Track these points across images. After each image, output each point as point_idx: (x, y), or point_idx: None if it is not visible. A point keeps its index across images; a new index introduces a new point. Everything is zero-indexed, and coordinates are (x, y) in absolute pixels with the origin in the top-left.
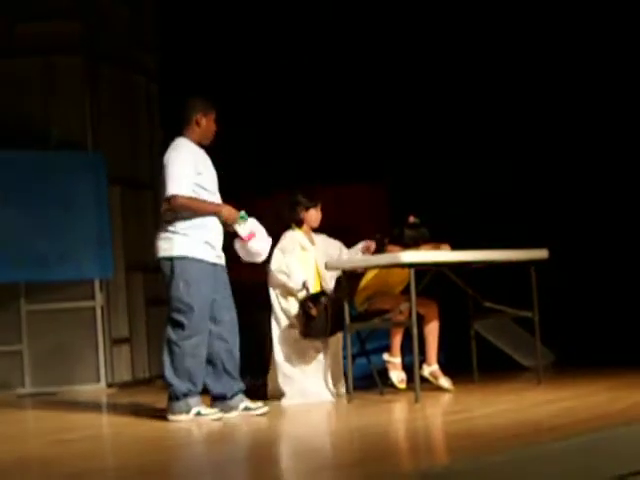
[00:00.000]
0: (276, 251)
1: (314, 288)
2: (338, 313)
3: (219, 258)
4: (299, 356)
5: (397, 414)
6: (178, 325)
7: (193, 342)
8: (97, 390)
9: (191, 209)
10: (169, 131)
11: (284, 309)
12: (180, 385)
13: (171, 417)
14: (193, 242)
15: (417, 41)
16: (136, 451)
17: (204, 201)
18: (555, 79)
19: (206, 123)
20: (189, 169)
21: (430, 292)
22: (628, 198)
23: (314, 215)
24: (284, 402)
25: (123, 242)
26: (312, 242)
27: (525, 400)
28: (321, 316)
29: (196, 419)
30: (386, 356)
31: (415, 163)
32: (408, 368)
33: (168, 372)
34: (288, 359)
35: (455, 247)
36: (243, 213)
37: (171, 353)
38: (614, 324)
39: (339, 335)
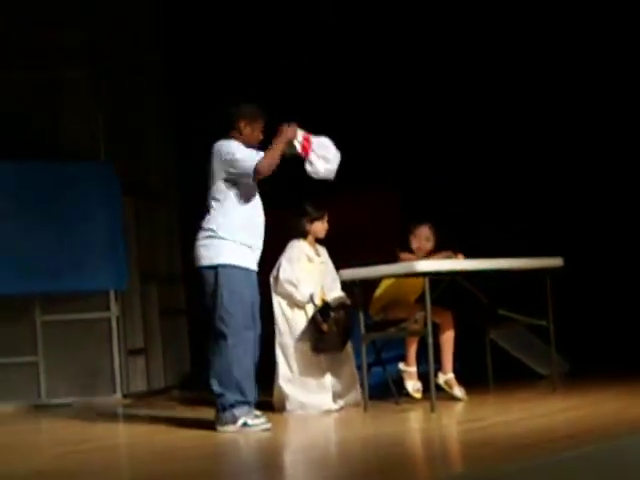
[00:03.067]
0: (283, 261)
1: (318, 299)
2: (350, 324)
3: (256, 263)
4: (302, 367)
5: (413, 423)
6: (223, 336)
7: (239, 351)
8: (113, 401)
9: (275, 160)
10: (181, 140)
11: (288, 319)
12: (228, 395)
13: (219, 428)
14: (236, 247)
15: (429, 50)
16: (152, 461)
17: (272, 146)
18: (570, 88)
19: (250, 131)
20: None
21: (445, 301)
22: None
23: (319, 227)
24: (285, 414)
25: (137, 252)
26: (317, 253)
27: (540, 408)
28: (332, 331)
29: (243, 430)
30: (402, 365)
31: (429, 170)
32: (424, 377)
33: (215, 383)
34: (290, 370)
35: (469, 255)
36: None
37: (217, 363)
38: (629, 332)
39: (349, 344)
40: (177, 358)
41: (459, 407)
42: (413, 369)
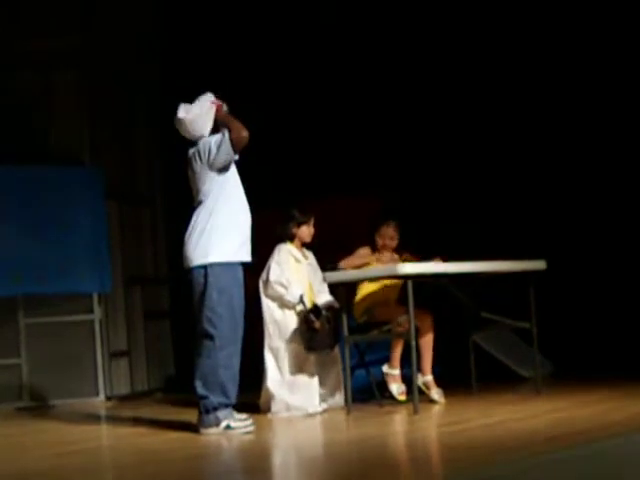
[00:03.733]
0: (273, 264)
1: (308, 300)
2: (336, 325)
3: (249, 253)
4: (292, 369)
5: (395, 426)
6: (209, 337)
7: (225, 353)
8: (96, 403)
9: (240, 127)
10: (167, 144)
11: (277, 322)
12: (212, 398)
13: (202, 431)
14: (225, 245)
15: (412, 51)
16: (136, 464)
17: (228, 121)
18: (550, 92)
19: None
20: None
21: (428, 303)
22: (625, 209)
23: (306, 231)
24: (269, 416)
25: (122, 255)
26: (304, 256)
27: (524, 411)
28: (324, 329)
29: (225, 432)
30: (385, 368)
31: (410, 175)
32: (407, 380)
33: (199, 385)
34: (280, 372)
35: (451, 259)
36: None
37: (202, 365)
38: (612, 334)
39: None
40: (161, 361)
41: (442, 409)
42: (397, 372)
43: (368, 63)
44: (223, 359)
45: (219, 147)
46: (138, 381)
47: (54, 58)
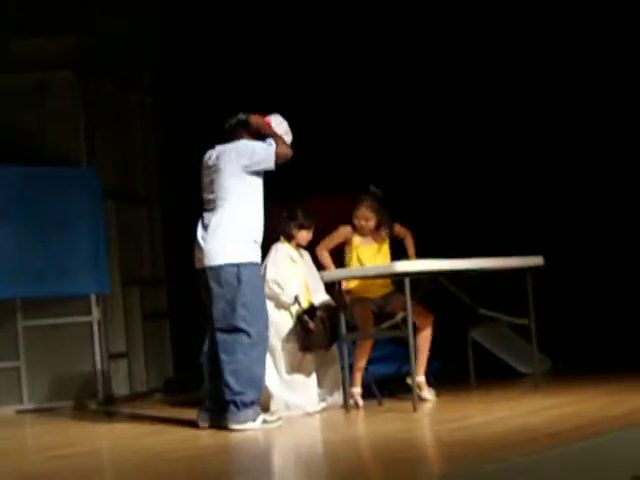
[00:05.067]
0: (269, 263)
1: (304, 300)
2: (335, 324)
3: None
4: (289, 368)
5: (395, 423)
6: (245, 334)
7: (259, 349)
8: (95, 405)
9: (287, 148)
10: (164, 144)
11: (273, 321)
12: (248, 393)
13: (236, 426)
14: (253, 244)
15: (405, 46)
16: (137, 464)
17: (275, 136)
18: (547, 85)
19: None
20: None
21: (425, 300)
22: (623, 204)
23: (304, 235)
24: (267, 416)
25: (119, 256)
26: (300, 255)
27: (523, 407)
28: (319, 329)
29: (262, 427)
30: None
31: (406, 171)
32: (403, 378)
33: (232, 381)
34: (277, 371)
35: (448, 255)
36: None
37: (236, 362)
38: (611, 329)
39: (334, 346)
40: (160, 361)
41: (441, 407)
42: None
43: (368, 60)
44: (257, 355)
45: (266, 153)
46: (137, 382)
47: (49, 58)
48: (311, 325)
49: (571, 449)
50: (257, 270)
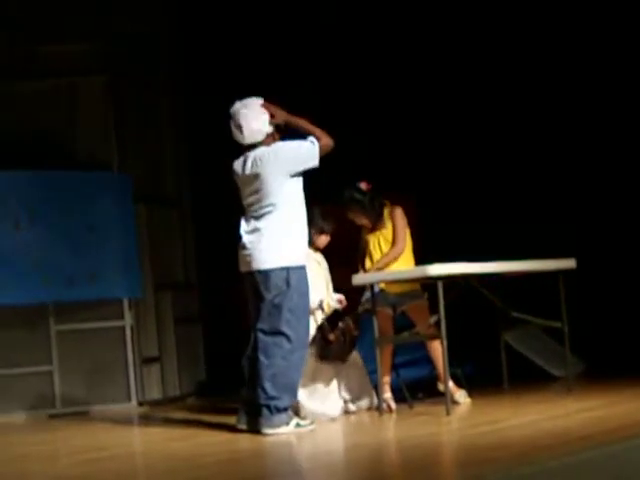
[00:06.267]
0: None
1: (325, 305)
2: (354, 334)
3: None
4: (310, 374)
5: (427, 427)
6: (287, 338)
7: (299, 355)
8: (128, 409)
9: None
10: (195, 147)
11: None
12: (284, 398)
13: (270, 431)
14: (301, 248)
15: (413, 48)
16: (169, 469)
17: (310, 127)
18: (573, 87)
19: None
20: None
21: (458, 304)
22: None
23: (324, 240)
24: (300, 420)
25: (151, 260)
26: (320, 260)
27: (556, 410)
28: (339, 341)
29: (296, 431)
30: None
31: (443, 176)
32: (434, 381)
33: (268, 385)
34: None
35: (481, 259)
36: None
37: (274, 366)
38: None
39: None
40: (192, 366)
41: (474, 410)
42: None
43: (375, 60)
44: (296, 361)
45: (310, 153)
46: (170, 386)
47: (79, 63)
48: (332, 337)
49: (604, 452)
50: (305, 274)
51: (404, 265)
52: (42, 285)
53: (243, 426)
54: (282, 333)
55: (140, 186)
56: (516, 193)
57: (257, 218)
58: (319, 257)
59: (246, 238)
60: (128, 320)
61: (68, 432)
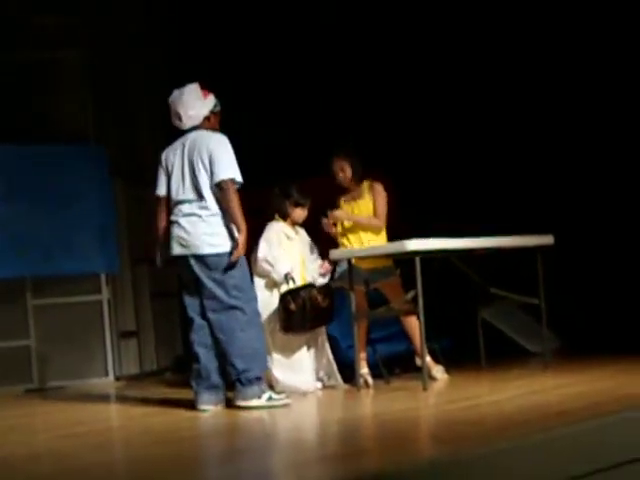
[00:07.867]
0: (262, 241)
1: (300, 277)
2: (321, 306)
3: None
4: (279, 350)
5: (404, 402)
6: (240, 310)
7: (256, 323)
8: (105, 383)
9: (233, 207)
10: (172, 125)
11: (266, 302)
12: (254, 369)
13: (243, 403)
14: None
15: (417, 41)
16: (146, 443)
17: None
18: (557, 73)
19: (213, 119)
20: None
21: (436, 279)
22: (634, 183)
23: (300, 213)
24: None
25: (128, 235)
26: (296, 232)
27: (533, 386)
28: (299, 311)
29: (269, 404)
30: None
31: (419, 154)
32: (408, 358)
33: (236, 359)
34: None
35: (459, 235)
36: None
37: (236, 339)
38: (621, 309)
39: (322, 328)
40: (169, 340)
41: (451, 386)
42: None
43: (366, 52)
44: (255, 332)
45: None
46: (147, 361)
47: (58, 36)
48: (292, 306)
49: (581, 428)
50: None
51: (379, 242)
52: (19, 259)
53: (209, 406)
54: (235, 307)
55: (119, 162)
56: (494, 170)
57: (185, 204)
58: (292, 231)
59: (182, 222)
60: (105, 295)
61: (45, 407)
